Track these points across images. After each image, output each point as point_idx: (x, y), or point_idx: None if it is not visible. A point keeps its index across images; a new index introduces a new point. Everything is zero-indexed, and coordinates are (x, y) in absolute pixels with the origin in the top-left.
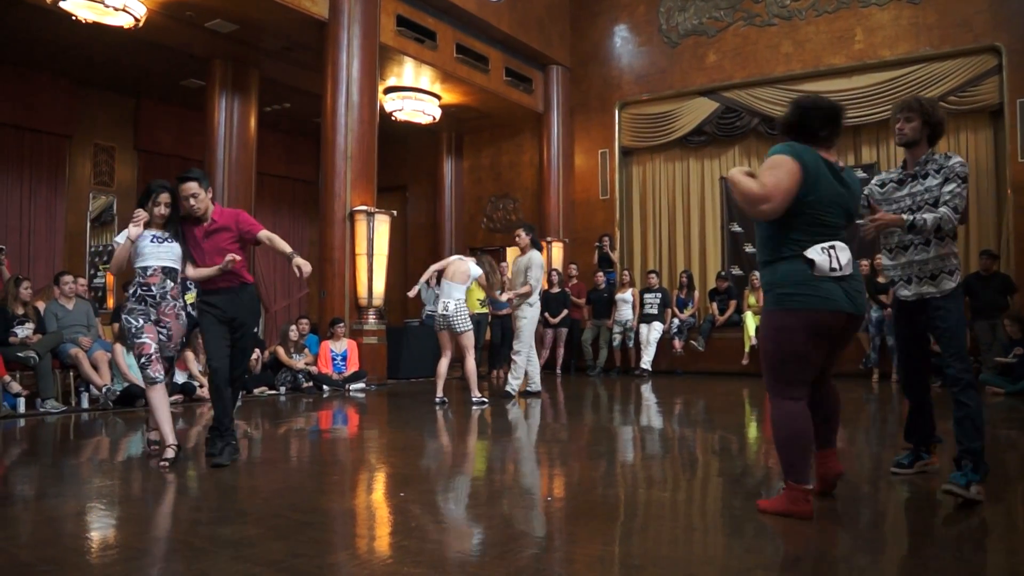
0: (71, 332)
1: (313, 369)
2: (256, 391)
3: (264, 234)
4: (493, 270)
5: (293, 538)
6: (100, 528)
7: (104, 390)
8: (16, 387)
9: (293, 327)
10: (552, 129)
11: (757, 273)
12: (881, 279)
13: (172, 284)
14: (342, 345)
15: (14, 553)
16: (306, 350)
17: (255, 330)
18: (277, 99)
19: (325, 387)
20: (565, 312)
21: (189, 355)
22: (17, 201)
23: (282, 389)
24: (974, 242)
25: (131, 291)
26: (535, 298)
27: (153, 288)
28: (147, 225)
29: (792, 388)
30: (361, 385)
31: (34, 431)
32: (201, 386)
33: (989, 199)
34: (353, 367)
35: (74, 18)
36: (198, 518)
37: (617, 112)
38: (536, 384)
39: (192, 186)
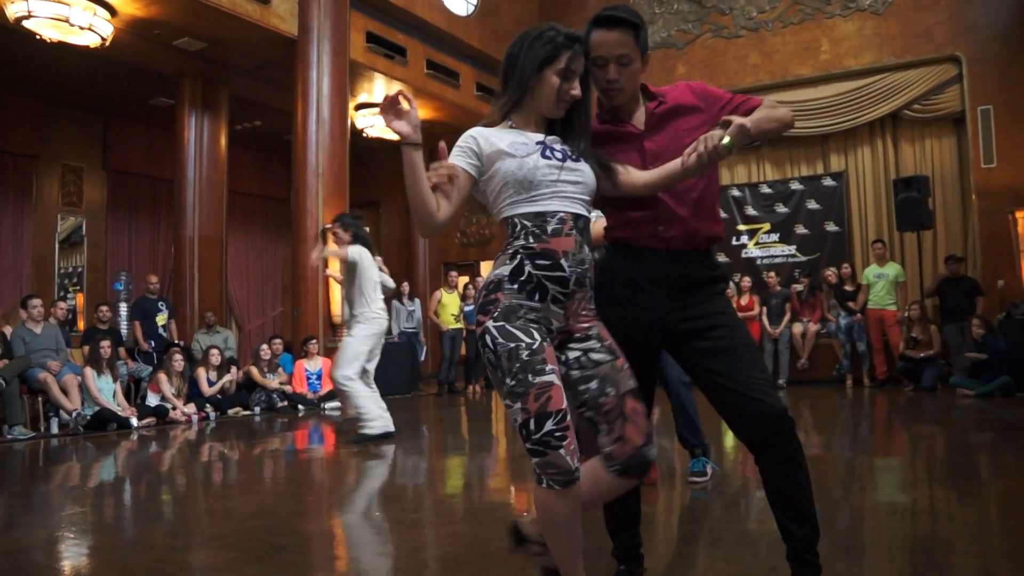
0: (39, 356)
1: (288, 388)
2: (230, 412)
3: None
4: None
5: (268, 562)
6: (71, 557)
7: (74, 415)
8: None
9: (265, 346)
10: None
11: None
12: (848, 287)
13: (590, 253)
14: (317, 363)
15: None
16: (280, 369)
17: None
18: (247, 117)
19: (300, 406)
20: None
21: (161, 377)
22: None
23: (257, 409)
24: (941, 247)
25: (509, 267)
26: None
27: (564, 264)
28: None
29: None
30: (337, 404)
31: (2, 458)
32: (174, 408)
33: (955, 205)
34: (328, 386)
35: (39, 37)
36: (172, 544)
37: None
38: None
39: (621, 39)
